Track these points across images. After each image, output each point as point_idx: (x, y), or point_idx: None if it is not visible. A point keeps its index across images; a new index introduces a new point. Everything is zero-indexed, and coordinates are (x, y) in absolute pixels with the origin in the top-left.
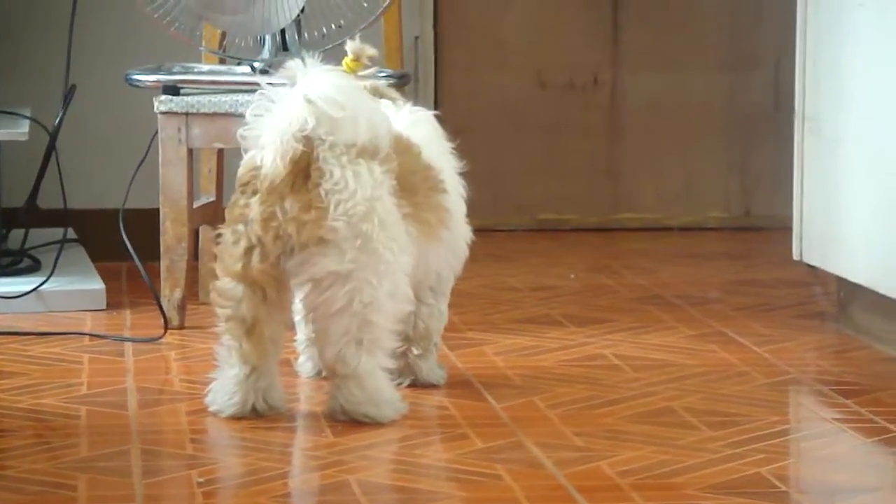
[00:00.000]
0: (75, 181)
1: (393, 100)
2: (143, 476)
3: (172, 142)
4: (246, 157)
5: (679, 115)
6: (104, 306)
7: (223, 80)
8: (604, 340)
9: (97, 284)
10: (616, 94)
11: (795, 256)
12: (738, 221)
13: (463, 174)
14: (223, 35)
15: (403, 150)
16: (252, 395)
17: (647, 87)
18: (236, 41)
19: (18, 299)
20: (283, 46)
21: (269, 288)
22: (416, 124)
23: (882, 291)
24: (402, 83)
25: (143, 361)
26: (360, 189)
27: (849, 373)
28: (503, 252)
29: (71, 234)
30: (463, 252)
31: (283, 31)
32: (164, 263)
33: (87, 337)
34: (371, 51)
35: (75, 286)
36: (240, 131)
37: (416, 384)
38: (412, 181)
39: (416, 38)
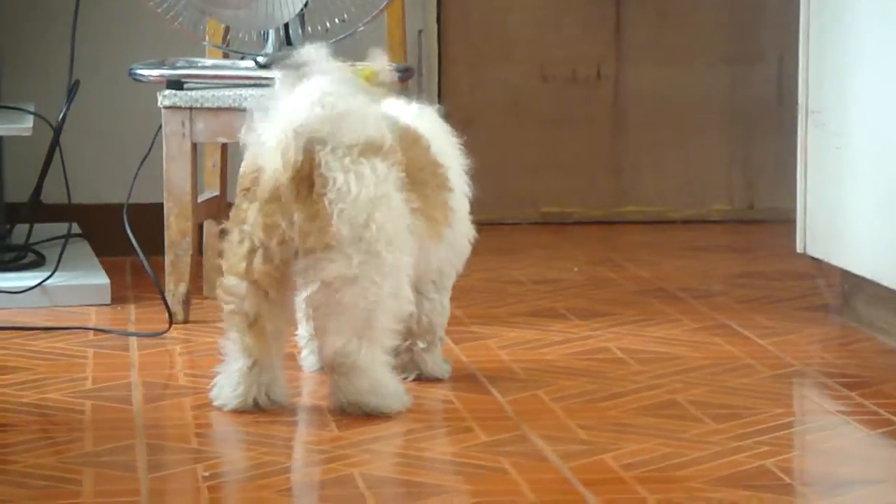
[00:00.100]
0: (79, 176)
1: (383, 83)
2: (149, 470)
3: (176, 136)
4: (246, 160)
5: (682, 108)
6: (108, 301)
7: (227, 74)
8: (608, 333)
9: (101, 279)
10: (619, 87)
11: (799, 249)
12: (742, 214)
13: (467, 169)
14: (227, 29)
15: (412, 144)
16: (255, 389)
17: (651, 80)
18: (240, 36)
19: (23, 294)
20: (287, 41)
21: (271, 288)
22: (422, 119)
23: (886, 283)
24: (406, 77)
25: (147, 356)
26: (364, 190)
27: (853, 365)
28: (506, 245)
29: (75, 229)
30: (465, 249)
31: (286, 26)
32: (168, 258)
33: (92, 332)
34: (391, 77)
35: (80, 281)
36: (242, 130)
37: (421, 378)
38: (421, 176)
39: (420, 32)
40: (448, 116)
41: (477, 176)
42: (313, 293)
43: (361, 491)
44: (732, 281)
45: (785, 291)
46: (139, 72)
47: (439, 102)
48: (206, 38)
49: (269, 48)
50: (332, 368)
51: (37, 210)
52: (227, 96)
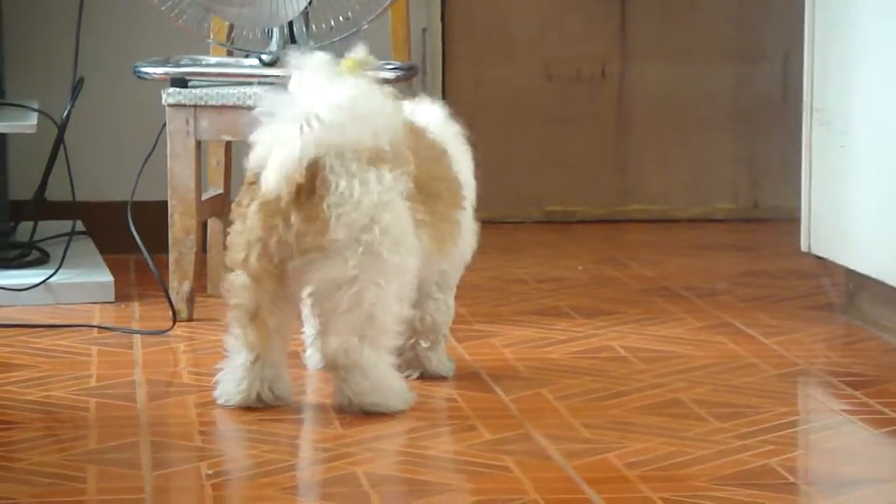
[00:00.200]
0: (83, 174)
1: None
2: (153, 468)
3: (180, 134)
4: (255, 151)
5: (687, 106)
6: (112, 299)
7: (231, 72)
8: (611, 332)
9: (106, 277)
10: (623, 85)
11: (803, 248)
12: (746, 213)
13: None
14: (231, 27)
15: (436, 158)
16: (258, 384)
17: (655, 78)
18: (244, 33)
19: (27, 292)
20: (291, 38)
21: (270, 282)
22: (445, 129)
23: (890, 282)
24: (410, 75)
25: (151, 354)
26: (366, 197)
27: (857, 364)
28: (510, 244)
29: (79, 226)
30: (468, 257)
31: (290, 24)
32: (172, 256)
33: (96, 329)
34: (374, 62)
35: (84, 278)
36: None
37: (425, 376)
38: (436, 188)
39: (424, 30)
40: (452, 115)
41: (481, 174)
42: (312, 293)
43: (365, 489)
44: (737, 280)
45: (789, 290)
46: (143, 69)
47: (443, 101)
48: (211, 36)
49: (274, 46)
50: (334, 368)
51: (41, 207)
52: (232, 94)
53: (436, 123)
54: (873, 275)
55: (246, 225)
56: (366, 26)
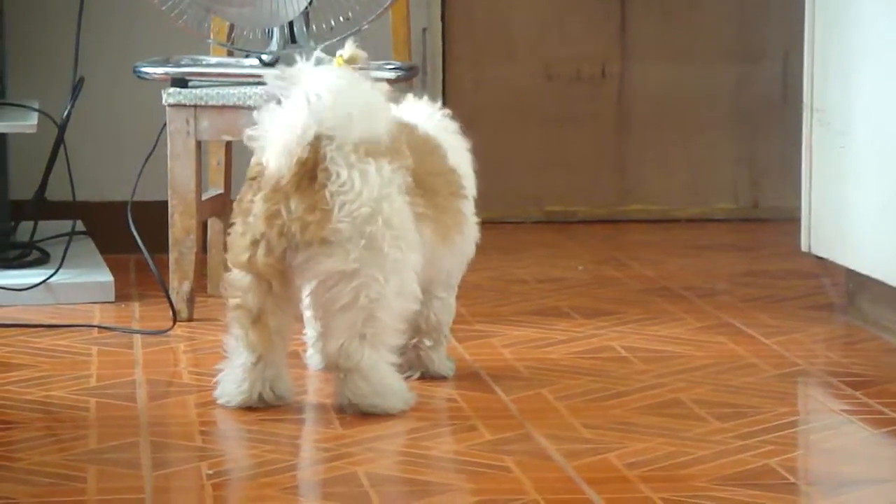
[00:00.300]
0: (84, 173)
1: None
2: (153, 468)
3: (181, 134)
4: (257, 152)
5: (687, 106)
6: (113, 298)
7: (231, 72)
8: (612, 332)
9: (106, 277)
10: (623, 86)
11: (804, 248)
12: (746, 213)
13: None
14: (231, 27)
15: (430, 152)
16: (259, 384)
17: (655, 78)
18: (244, 33)
19: (27, 291)
20: (292, 39)
21: (274, 281)
22: (440, 125)
23: (890, 283)
24: (410, 75)
25: (151, 354)
26: (367, 189)
27: (857, 364)
28: (511, 244)
29: (79, 226)
30: (471, 251)
31: (291, 24)
32: (172, 256)
33: (96, 329)
34: (364, 55)
35: (84, 278)
36: (247, 131)
37: (426, 376)
38: (433, 182)
39: (424, 30)
40: (452, 115)
41: (481, 174)
42: (314, 290)
43: (366, 489)
44: (737, 280)
45: (789, 290)
46: (144, 69)
47: (443, 100)
48: (211, 36)
49: (274, 46)
50: (335, 369)
51: (41, 207)
52: (232, 94)
53: (427, 119)
54: (873, 275)
55: (248, 224)
56: (366, 26)
